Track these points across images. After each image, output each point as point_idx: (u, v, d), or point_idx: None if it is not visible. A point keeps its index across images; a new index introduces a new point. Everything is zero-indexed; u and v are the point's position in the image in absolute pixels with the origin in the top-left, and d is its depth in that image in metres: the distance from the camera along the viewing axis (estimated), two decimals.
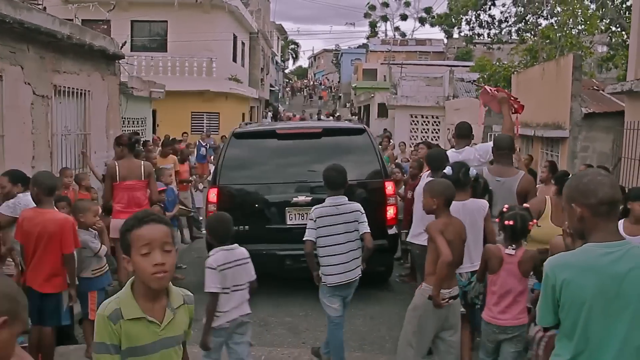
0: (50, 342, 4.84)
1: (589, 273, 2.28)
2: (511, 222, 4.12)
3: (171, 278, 2.26)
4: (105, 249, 5.07)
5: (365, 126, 7.99)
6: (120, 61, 11.68)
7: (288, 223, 6.89)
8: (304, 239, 4.83)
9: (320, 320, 5.86)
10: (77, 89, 9.52)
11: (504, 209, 4.27)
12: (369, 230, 4.90)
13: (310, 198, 6.61)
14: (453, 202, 4.50)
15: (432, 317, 4.13)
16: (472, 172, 4.67)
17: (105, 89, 10.72)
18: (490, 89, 6.53)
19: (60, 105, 9.03)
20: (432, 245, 4.10)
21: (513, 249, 4.13)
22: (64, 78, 8.99)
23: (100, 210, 6.72)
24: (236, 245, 4.32)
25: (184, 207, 9.60)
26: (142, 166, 6.68)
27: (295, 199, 6.83)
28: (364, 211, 4.96)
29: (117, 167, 6.51)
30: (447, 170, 4.71)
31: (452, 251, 4.02)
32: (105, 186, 6.69)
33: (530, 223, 4.18)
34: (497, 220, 4.41)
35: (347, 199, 4.93)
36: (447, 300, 4.11)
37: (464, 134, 5.90)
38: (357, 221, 4.89)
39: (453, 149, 6.09)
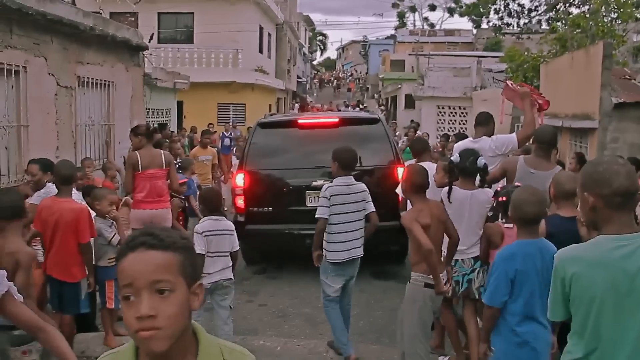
0: (70, 329, 4.89)
1: (600, 267, 2.17)
2: (504, 198, 4.25)
3: (174, 338, 1.43)
4: (118, 238, 5.08)
5: (380, 116, 8.50)
6: (144, 52, 11.76)
7: (308, 205, 7.28)
8: (317, 216, 4.95)
9: None
10: (100, 80, 9.62)
11: (498, 188, 4.45)
12: (374, 210, 5.15)
13: (329, 182, 6.67)
14: (460, 190, 4.55)
15: (429, 305, 4.17)
16: (481, 161, 4.59)
17: (129, 80, 10.80)
18: (513, 84, 6.35)
19: (84, 96, 9.14)
20: (412, 235, 4.10)
21: (511, 225, 4.19)
22: (87, 69, 9.08)
23: (124, 200, 6.80)
24: (223, 217, 4.97)
25: None
26: (163, 155, 6.71)
27: (314, 182, 7.24)
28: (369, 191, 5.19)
29: (138, 156, 6.53)
30: (455, 157, 4.66)
31: (433, 234, 4.07)
32: (126, 176, 6.70)
33: None
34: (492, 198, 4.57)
35: (353, 179, 5.13)
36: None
37: (481, 123, 5.77)
38: (364, 200, 5.11)
39: (470, 139, 6.00)
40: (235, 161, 12.69)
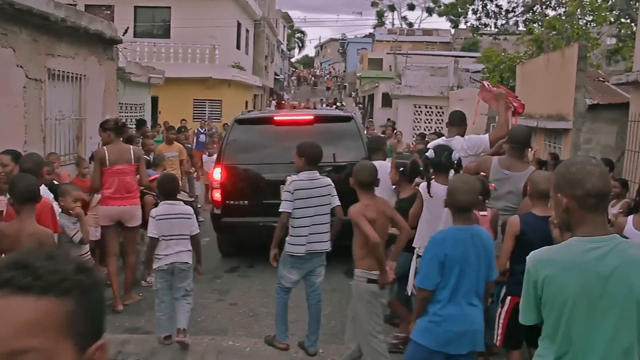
0: None
1: (573, 270, 2.12)
2: None
3: None
4: (80, 236, 4.92)
5: (352, 114, 8.77)
6: (118, 46, 11.54)
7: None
8: (280, 210, 4.97)
9: None
10: (72, 73, 9.39)
11: None
12: (339, 204, 5.11)
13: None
14: (438, 185, 4.57)
15: (377, 300, 4.27)
16: (455, 155, 4.65)
17: (102, 74, 10.58)
18: (489, 85, 6.32)
19: (55, 90, 8.91)
20: (358, 230, 4.19)
21: (485, 212, 4.66)
22: (58, 62, 8.86)
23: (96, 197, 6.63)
24: (180, 202, 5.23)
25: (184, 192, 9.61)
26: (132, 150, 6.54)
27: (289, 177, 7.13)
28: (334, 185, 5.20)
29: (106, 151, 6.37)
30: (430, 153, 4.70)
31: (379, 229, 4.19)
32: (93, 172, 6.53)
33: (491, 185, 4.81)
34: None
35: (318, 173, 5.13)
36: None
37: (454, 122, 5.73)
38: (330, 195, 5.11)
39: (443, 138, 5.98)
40: (206, 158, 12.50)
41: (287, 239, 5.03)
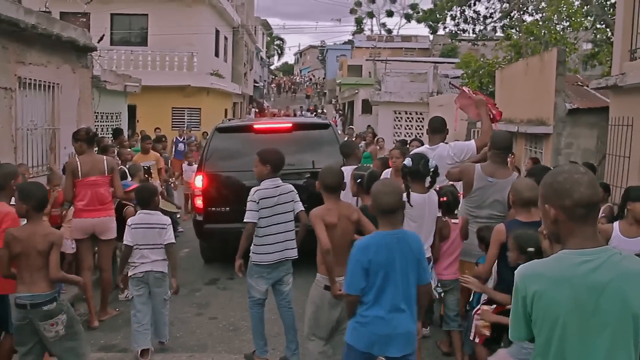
0: (8, 347, 4.60)
1: (563, 284, 2.00)
2: (445, 198, 4.92)
3: None
4: None
5: (330, 122, 9.08)
6: (94, 54, 11.31)
7: None
8: (245, 220, 4.87)
9: None
10: (44, 81, 9.14)
11: (437, 188, 4.85)
12: (303, 209, 5.06)
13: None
14: (419, 195, 4.55)
15: (327, 309, 4.23)
16: (432, 163, 4.63)
17: (76, 82, 10.33)
18: (469, 91, 6.21)
19: (26, 99, 8.65)
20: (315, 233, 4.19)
21: (456, 220, 5.01)
22: (29, 70, 8.61)
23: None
24: (157, 212, 5.31)
25: (172, 204, 9.55)
26: (105, 161, 6.34)
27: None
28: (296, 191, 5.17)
29: (78, 162, 6.16)
30: (407, 161, 4.65)
31: (340, 234, 4.17)
32: (65, 184, 6.31)
33: (460, 194, 5.08)
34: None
35: (280, 180, 5.08)
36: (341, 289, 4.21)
37: (437, 129, 5.62)
38: (293, 201, 5.07)
39: (426, 146, 5.84)
40: (186, 167, 12.34)
41: (252, 248, 4.95)
